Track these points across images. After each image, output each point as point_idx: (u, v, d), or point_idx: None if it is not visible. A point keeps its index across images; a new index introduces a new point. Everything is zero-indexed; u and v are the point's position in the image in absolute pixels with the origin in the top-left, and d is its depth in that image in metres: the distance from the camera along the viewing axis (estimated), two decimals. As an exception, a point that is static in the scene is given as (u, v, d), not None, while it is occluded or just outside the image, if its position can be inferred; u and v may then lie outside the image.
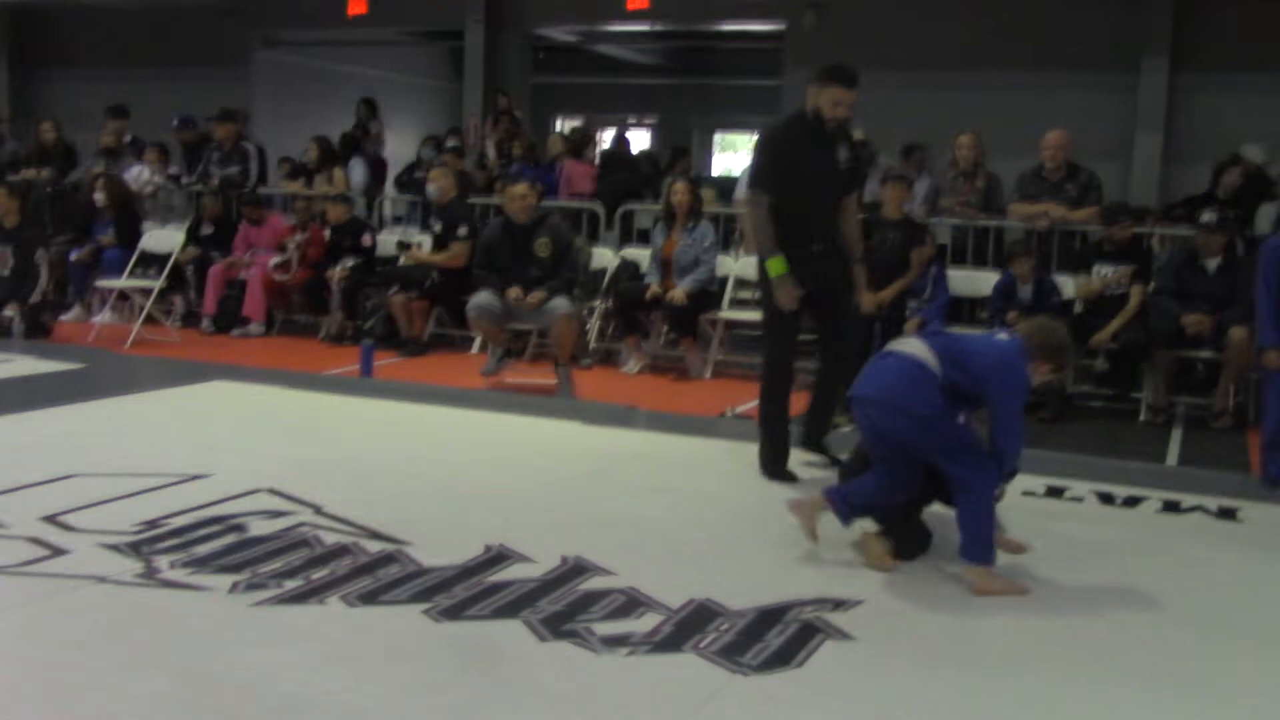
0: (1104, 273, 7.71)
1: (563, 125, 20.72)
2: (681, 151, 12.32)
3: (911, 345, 4.19)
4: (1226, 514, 5.21)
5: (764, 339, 5.79)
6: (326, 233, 10.01)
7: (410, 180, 11.49)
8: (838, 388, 5.49)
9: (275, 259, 9.92)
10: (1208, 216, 7.52)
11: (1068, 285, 7.92)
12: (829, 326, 5.65)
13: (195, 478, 5.03)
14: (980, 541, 4.03)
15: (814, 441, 5.74)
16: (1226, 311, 7.32)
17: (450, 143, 12.00)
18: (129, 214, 10.68)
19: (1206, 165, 9.84)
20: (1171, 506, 5.28)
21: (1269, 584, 4.31)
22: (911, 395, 4.04)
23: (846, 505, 4.27)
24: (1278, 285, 5.52)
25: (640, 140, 19.79)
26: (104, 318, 10.24)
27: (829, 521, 4.32)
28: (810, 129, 5.41)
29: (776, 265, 5.37)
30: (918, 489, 4.25)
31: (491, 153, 11.91)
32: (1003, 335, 4.24)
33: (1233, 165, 9.18)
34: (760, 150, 5.60)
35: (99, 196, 10.61)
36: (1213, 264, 7.45)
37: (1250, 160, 9.80)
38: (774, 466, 5.51)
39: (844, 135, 5.52)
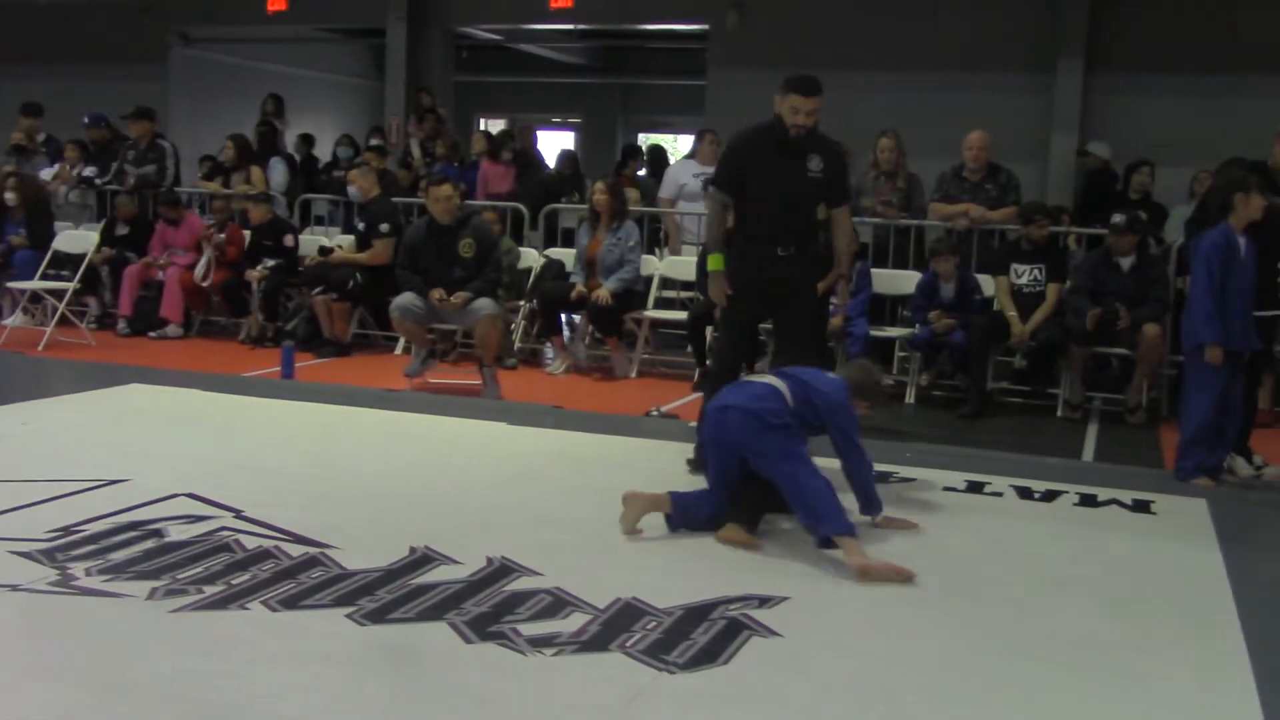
0: (1021, 276, 7.85)
1: (485, 125, 20.65)
2: (633, 151, 12.29)
3: (768, 377, 4.76)
4: (1141, 506, 5.33)
5: (715, 337, 5.87)
6: (246, 233, 9.88)
7: (330, 180, 11.36)
8: None
9: (193, 263, 9.76)
10: (1117, 218, 7.68)
11: (987, 284, 8.06)
12: (783, 332, 5.76)
13: (111, 483, 4.93)
14: (827, 517, 4.28)
15: None
16: (1139, 309, 7.48)
17: (373, 141, 11.90)
18: (41, 214, 10.44)
19: (1120, 166, 10.07)
20: (1088, 500, 5.39)
21: (1182, 573, 4.41)
22: (768, 409, 4.52)
23: (683, 516, 4.58)
24: (1220, 282, 5.62)
25: (564, 141, 19.78)
26: (15, 320, 10.00)
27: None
28: (776, 137, 5.53)
29: (715, 261, 5.57)
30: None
31: (416, 151, 11.82)
32: (831, 375, 4.87)
33: (1082, 155, 9.47)
34: (724, 153, 5.82)
35: (9, 196, 10.37)
36: (1126, 263, 7.61)
37: (1098, 155, 10.13)
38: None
39: (820, 145, 5.60)
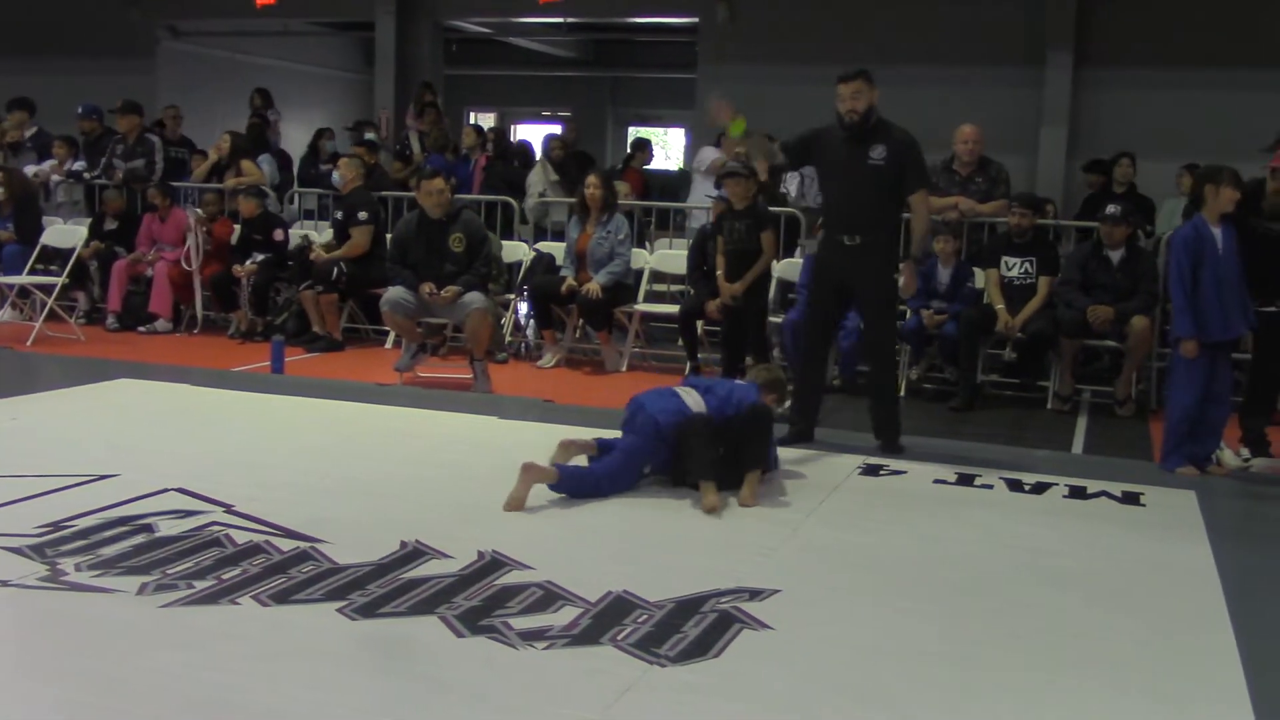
0: (1012, 269, 7.87)
1: (475, 118, 20.62)
2: (641, 144, 12.25)
3: (684, 389, 5.34)
4: (1130, 498, 5.35)
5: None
6: (237, 228, 9.86)
7: (317, 174, 11.33)
8: (880, 380, 6.10)
9: (180, 257, 9.73)
10: (1111, 209, 7.70)
11: (979, 276, 8.07)
12: (864, 319, 6.10)
13: (101, 478, 4.92)
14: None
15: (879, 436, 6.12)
16: (1129, 301, 7.50)
17: (368, 135, 11.86)
18: (29, 209, 10.39)
19: (1108, 159, 10.09)
20: (1078, 492, 5.41)
21: (1171, 565, 4.43)
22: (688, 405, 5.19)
23: (573, 484, 4.91)
24: (1193, 275, 5.66)
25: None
26: (4, 315, 9.98)
27: (742, 519, 4.34)
28: (842, 130, 5.88)
29: (736, 125, 6.23)
30: (629, 485, 5.08)
31: (417, 145, 11.79)
32: (740, 381, 5.72)
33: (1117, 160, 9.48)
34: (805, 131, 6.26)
35: (-2, 191, 10.32)
36: (1116, 255, 7.63)
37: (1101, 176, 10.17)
38: (794, 429, 6.09)
39: (886, 135, 5.86)
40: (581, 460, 5.15)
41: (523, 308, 9.41)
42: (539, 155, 10.73)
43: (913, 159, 5.92)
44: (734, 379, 6.13)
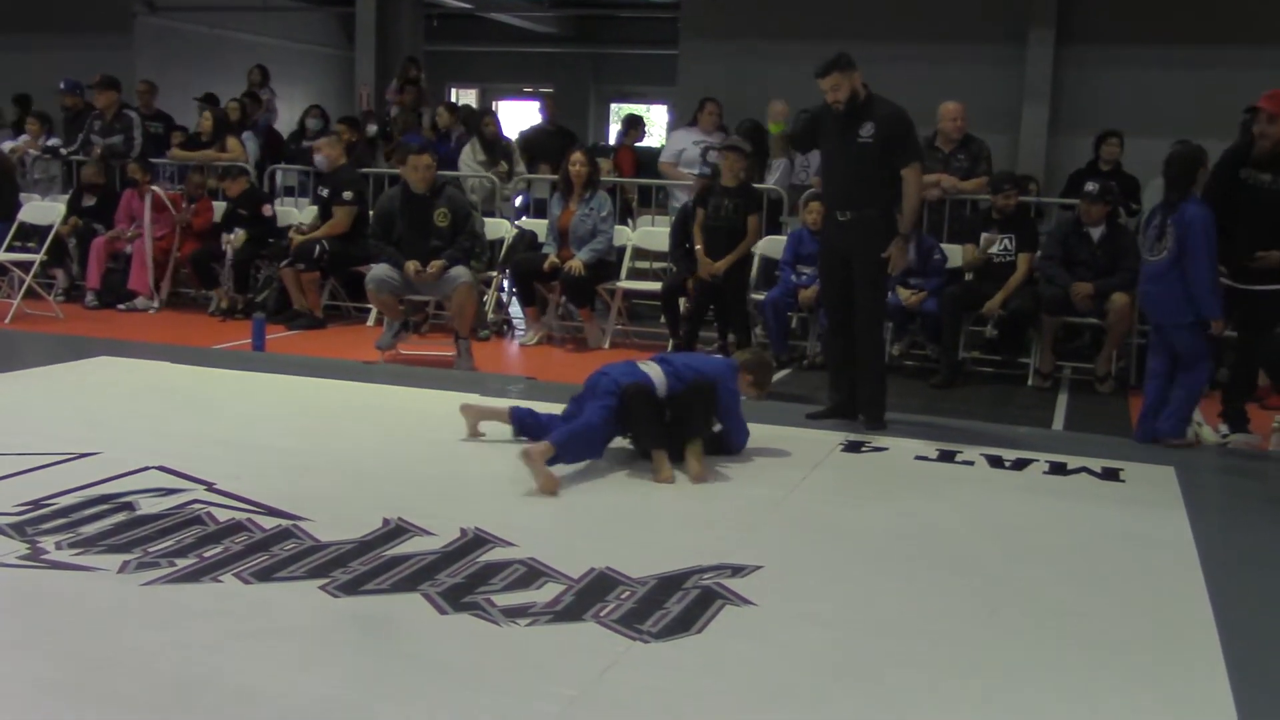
0: (988, 238, 7.89)
1: (457, 95, 20.51)
2: (634, 121, 12.23)
3: (648, 364, 5.32)
4: (1110, 474, 5.38)
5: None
6: (218, 205, 9.80)
7: (299, 151, 11.26)
8: (866, 355, 6.10)
9: (162, 234, 9.67)
10: (1090, 186, 7.72)
11: (956, 254, 8.08)
12: (855, 294, 6.09)
13: (81, 456, 4.89)
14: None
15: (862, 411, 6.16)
16: (1109, 278, 7.53)
17: (363, 108, 11.76)
18: (6, 185, 10.29)
19: (1090, 137, 10.10)
20: (1058, 468, 5.44)
21: (1150, 540, 4.46)
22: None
23: (572, 450, 4.93)
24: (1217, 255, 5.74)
25: (531, 111, 19.64)
26: (-18, 293, 9.91)
27: (724, 496, 4.34)
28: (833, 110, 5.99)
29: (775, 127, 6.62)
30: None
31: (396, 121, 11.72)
32: (717, 355, 5.87)
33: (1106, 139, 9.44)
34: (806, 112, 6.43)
35: (-26, 168, 10.23)
36: (1096, 232, 7.65)
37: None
38: (830, 405, 6.27)
39: (876, 112, 5.93)
40: (487, 426, 5.45)
41: (505, 285, 9.39)
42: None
43: (902, 133, 5.95)
44: (710, 354, 6.21)
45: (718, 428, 5.31)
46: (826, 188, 6.29)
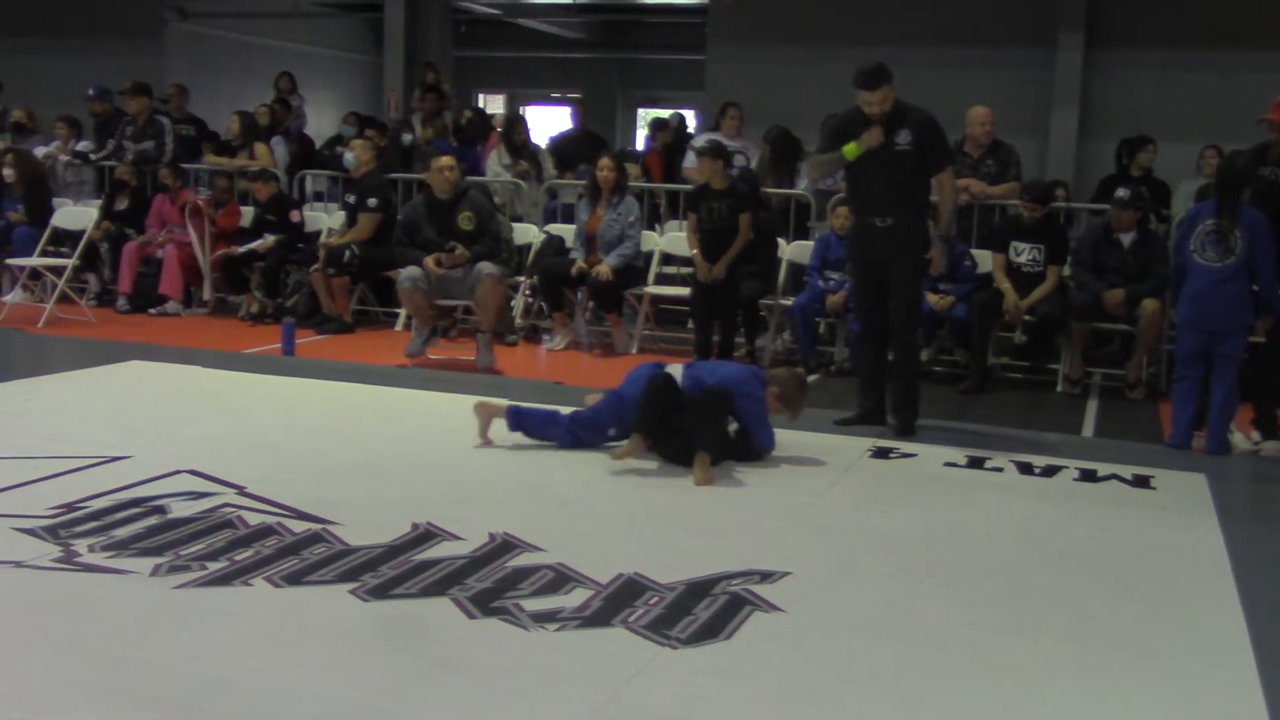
0: (1021, 254, 7.82)
1: (485, 101, 20.59)
2: (661, 124, 12.24)
3: (672, 367, 5.43)
4: (1141, 481, 5.34)
5: None
6: (247, 210, 9.87)
7: (331, 157, 11.31)
8: (901, 360, 6.09)
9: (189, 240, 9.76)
10: (1121, 192, 7.67)
11: (986, 259, 8.03)
12: (892, 299, 6.09)
13: (114, 459, 4.93)
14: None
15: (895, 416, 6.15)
16: (1140, 285, 7.48)
17: (391, 115, 11.81)
18: (39, 190, 10.41)
19: (1118, 142, 10.03)
20: (1088, 475, 5.40)
21: (1182, 548, 4.43)
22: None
23: (517, 420, 5.39)
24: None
25: (560, 116, 19.69)
26: (15, 297, 10.00)
27: (753, 502, 4.34)
28: (865, 119, 5.95)
29: (850, 149, 5.98)
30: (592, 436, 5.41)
31: (419, 128, 11.77)
32: (740, 366, 5.83)
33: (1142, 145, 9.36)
34: (833, 120, 6.40)
35: (8, 172, 10.32)
36: (1127, 238, 7.60)
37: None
38: (860, 410, 6.20)
39: (909, 119, 5.92)
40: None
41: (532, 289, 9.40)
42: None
43: (936, 138, 5.99)
44: (721, 361, 6.41)
45: (734, 426, 5.28)
46: (861, 195, 6.23)
